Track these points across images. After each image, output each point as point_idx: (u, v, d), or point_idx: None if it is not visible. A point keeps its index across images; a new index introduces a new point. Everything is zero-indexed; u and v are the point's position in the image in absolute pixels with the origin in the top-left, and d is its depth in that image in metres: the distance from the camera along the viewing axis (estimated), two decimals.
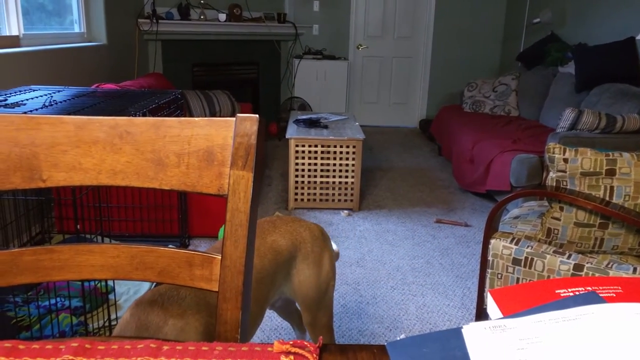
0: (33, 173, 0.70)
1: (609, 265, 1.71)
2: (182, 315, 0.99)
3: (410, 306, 2.22)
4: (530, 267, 1.81)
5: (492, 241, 1.89)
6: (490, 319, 0.54)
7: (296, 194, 3.31)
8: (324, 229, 1.57)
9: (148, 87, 3.21)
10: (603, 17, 4.00)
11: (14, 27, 2.71)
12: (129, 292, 2.13)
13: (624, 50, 3.47)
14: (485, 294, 1.93)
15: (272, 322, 2.08)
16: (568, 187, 1.74)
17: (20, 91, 2.25)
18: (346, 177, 3.28)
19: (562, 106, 3.54)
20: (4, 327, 1.81)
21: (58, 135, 0.70)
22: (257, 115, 0.69)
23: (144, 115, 1.98)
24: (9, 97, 2.09)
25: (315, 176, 3.27)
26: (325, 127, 3.52)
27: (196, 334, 0.99)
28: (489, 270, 1.90)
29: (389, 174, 4.22)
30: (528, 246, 1.82)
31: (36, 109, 1.86)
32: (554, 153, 1.73)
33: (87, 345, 0.61)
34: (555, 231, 1.79)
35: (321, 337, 0.59)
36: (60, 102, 2.05)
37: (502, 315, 0.55)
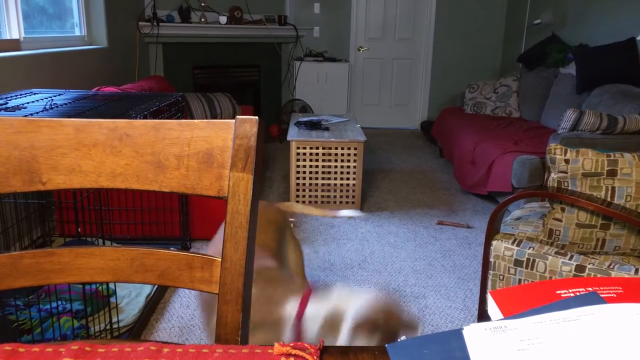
0: (33, 176, 0.70)
1: (611, 266, 1.71)
2: None
3: (412, 308, 2.22)
4: (532, 269, 1.80)
5: (494, 242, 1.88)
6: (491, 320, 0.54)
7: (297, 196, 3.31)
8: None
9: (149, 89, 3.22)
10: (604, 18, 4.00)
11: (14, 30, 2.71)
12: (131, 295, 2.12)
13: (625, 51, 3.46)
14: (487, 296, 1.92)
15: None
16: (569, 188, 1.73)
17: (20, 94, 2.25)
18: (347, 179, 3.28)
19: (563, 107, 3.53)
20: (5, 330, 1.81)
21: (57, 138, 0.70)
22: (256, 117, 0.69)
23: (145, 118, 1.98)
24: (10, 100, 2.09)
25: (316, 178, 3.27)
26: (327, 129, 3.53)
27: None
28: (491, 272, 1.90)
29: (390, 175, 4.22)
30: (530, 247, 1.82)
31: (37, 112, 1.86)
32: (555, 154, 1.73)
33: (87, 348, 0.61)
34: (557, 232, 1.78)
35: (322, 339, 0.59)
36: (61, 105, 2.06)
37: (502, 316, 0.55)
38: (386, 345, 0.53)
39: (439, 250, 2.83)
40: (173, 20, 4.60)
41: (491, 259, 1.89)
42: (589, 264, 1.72)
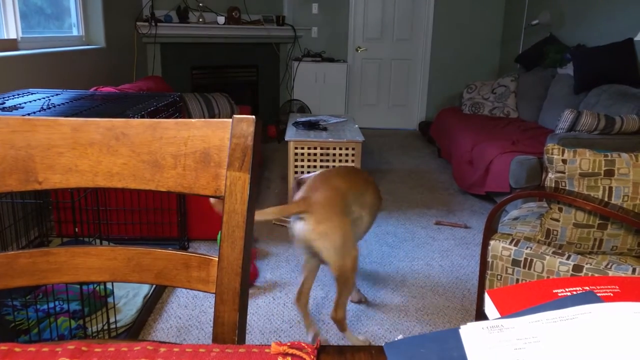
0: (29, 175, 0.69)
1: (608, 266, 1.71)
2: None
3: (410, 308, 2.22)
4: (529, 268, 1.80)
5: (492, 242, 1.88)
6: (488, 319, 0.54)
7: None
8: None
9: (147, 90, 3.21)
10: (602, 18, 4.01)
11: (12, 30, 2.71)
12: (128, 295, 2.12)
13: (622, 51, 3.47)
14: (484, 295, 1.92)
15: (270, 325, 2.07)
16: (567, 188, 1.74)
17: (18, 94, 2.25)
18: None
19: (561, 107, 3.54)
20: (2, 331, 1.80)
21: (54, 137, 0.70)
22: (253, 117, 0.69)
23: (142, 118, 1.97)
24: (7, 100, 2.09)
25: None
26: (325, 129, 3.53)
27: None
28: (489, 272, 1.90)
29: (388, 176, 4.22)
30: (527, 247, 1.82)
31: (34, 112, 1.86)
32: (552, 154, 1.73)
33: (83, 348, 0.61)
34: (555, 232, 1.79)
35: (319, 339, 0.59)
36: (59, 105, 2.05)
37: (499, 315, 0.55)
38: (383, 344, 0.53)
39: (437, 250, 2.83)
40: (171, 21, 4.60)
41: (489, 259, 1.89)
42: (587, 263, 1.73)
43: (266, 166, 4.38)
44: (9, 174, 0.70)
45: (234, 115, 0.68)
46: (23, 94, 2.27)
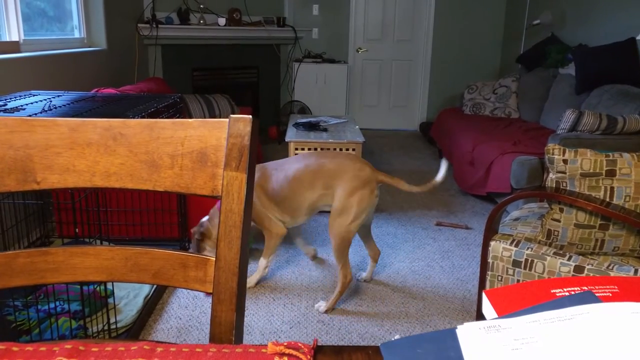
0: (27, 175, 0.69)
1: (610, 267, 1.70)
2: None
3: (410, 309, 2.21)
4: (530, 269, 1.80)
5: (492, 243, 1.88)
6: (486, 320, 0.53)
7: None
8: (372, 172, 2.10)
9: (148, 91, 3.22)
10: (603, 18, 4.00)
11: (14, 32, 2.71)
12: (129, 296, 2.12)
13: (624, 51, 3.46)
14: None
15: (270, 325, 2.07)
16: (568, 188, 1.73)
17: (20, 96, 2.25)
18: None
19: (563, 108, 3.53)
20: (3, 331, 1.80)
21: (52, 138, 0.70)
22: (250, 116, 0.69)
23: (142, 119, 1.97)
24: (9, 102, 2.09)
25: None
26: (325, 130, 3.52)
27: None
28: (489, 273, 1.90)
29: None
30: (528, 248, 1.81)
31: (35, 114, 1.86)
32: (553, 154, 1.72)
33: (80, 347, 0.61)
34: (556, 233, 1.78)
35: (315, 338, 0.59)
36: (60, 106, 2.06)
37: (497, 316, 0.55)
38: (380, 345, 0.53)
39: (438, 251, 2.82)
40: (172, 22, 4.60)
41: (489, 260, 1.89)
42: (588, 264, 1.72)
43: None
44: (8, 174, 0.70)
45: (231, 115, 0.68)
46: (25, 95, 2.28)
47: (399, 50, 5.98)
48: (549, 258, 1.77)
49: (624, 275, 1.64)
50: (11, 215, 2.21)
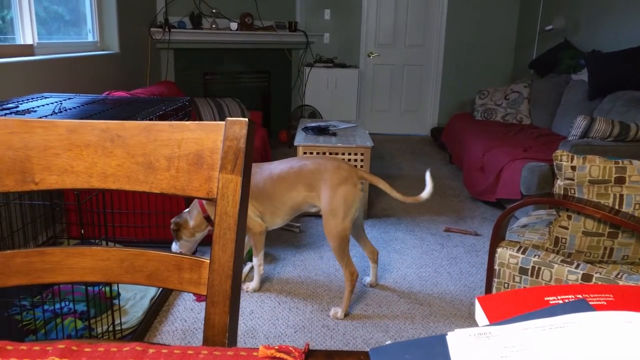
0: (26, 176, 0.70)
1: (619, 276, 1.67)
2: None
3: (416, 315, 2.19)
4: (537, 277, 1.77)
5: (499, 250, 1.86)
6: (477, 326, 0.53)
7: None
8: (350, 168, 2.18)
9: (159, 95, 3.25)
10: (617, 23, 3.95)
11: (28, 36, 2.76)
12: (135, 297, 2.13)
13: (638, 57, 3.42)
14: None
15: (275, 329, 2.07)
16: (576, 195, 1.71)
17: (32, 98, 2.29)
18: None
19: (575, 114, 3.49)
20: (10, 330, 1.83)
21: (51, 139, 0.71)
22: (247, 120, 0.69)
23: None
24: (21, 104, 2.13)
25: None
26: (334, 134, 3.52)
27: None
28: (496, 280, 1.87)
29: (398, 181, 4.20)
30: (535, 255, 1.79)
31: (45, 116, 1.89)
32: (561, 160, 1.70)
33: (73, 347, 0.62)
34: (563, 240, 1.76)
35: (307, 342, 0.58)
36: (70, 109, 2.09)
37: (488, 322, 0.54)
38: (369, 350, 0.53)
39: (446, 257, 2.80)
40: (184, 27, 4.65)
41: (496, 267, 1.86)
42: (596, 273, 1.69)
43: None
44: (7, 174, 0.71)
45: (227, 118, 0.69)
46: (37, 98, 2.32)
47: (410, 55, 5.96)
48: (556, 266, 1.74)
49: (633, 285, 1.60)
50: (21, 216, 2.24)
